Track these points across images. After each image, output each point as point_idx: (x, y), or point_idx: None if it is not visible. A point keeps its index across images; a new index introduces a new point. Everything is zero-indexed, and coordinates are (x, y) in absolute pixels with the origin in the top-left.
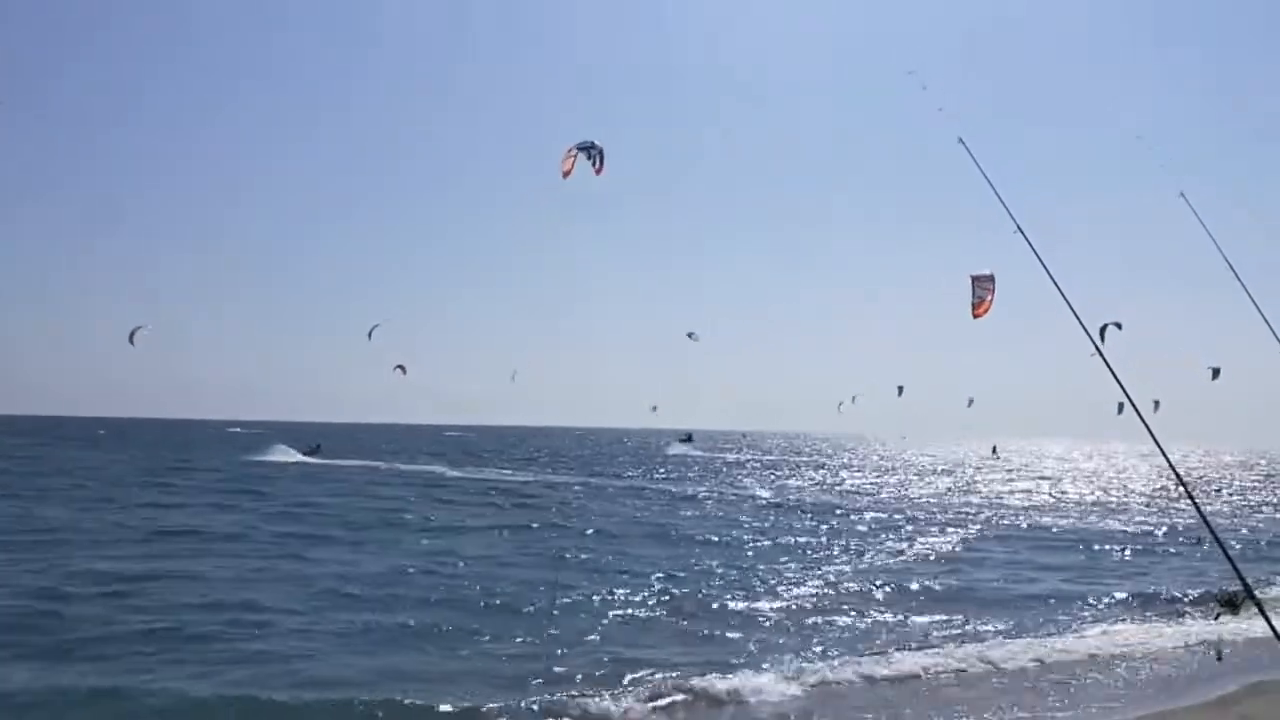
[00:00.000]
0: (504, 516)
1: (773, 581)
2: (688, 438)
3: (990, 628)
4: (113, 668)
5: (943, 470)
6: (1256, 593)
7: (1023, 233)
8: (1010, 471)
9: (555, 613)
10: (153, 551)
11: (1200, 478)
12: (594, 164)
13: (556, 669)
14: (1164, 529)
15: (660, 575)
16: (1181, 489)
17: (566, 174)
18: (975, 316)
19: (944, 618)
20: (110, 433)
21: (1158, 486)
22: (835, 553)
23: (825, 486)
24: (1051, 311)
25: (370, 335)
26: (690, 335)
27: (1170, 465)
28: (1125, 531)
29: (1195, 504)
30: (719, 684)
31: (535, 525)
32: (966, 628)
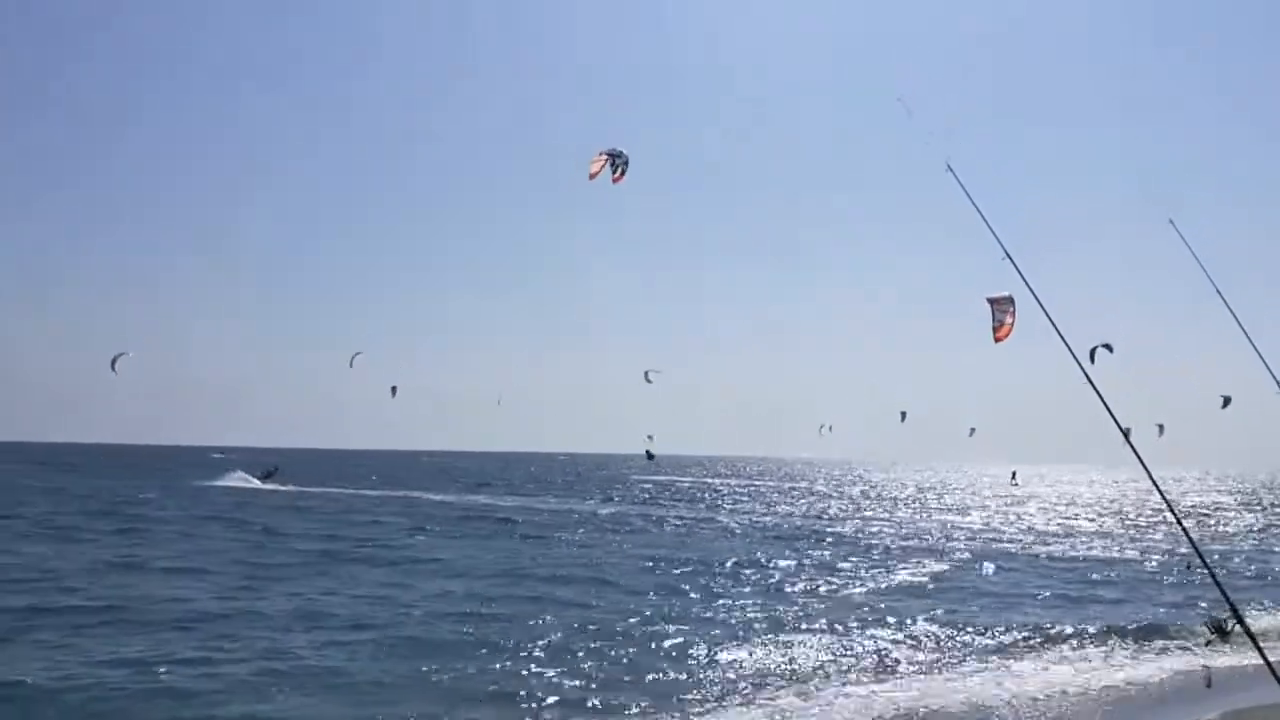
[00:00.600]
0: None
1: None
2: (650, 456)
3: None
4: None
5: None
6: (1247, 619)
7: (1011, 259)
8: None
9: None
10: None
11: (1213, 505)
12: (616, 172)
13: None
14: (1156, 556)
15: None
16: (1173, 515)
17: (593, 176)
18: (997, 340)
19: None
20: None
21: (1155, 512)
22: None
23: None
24: (1050, 332)
25: (351, 363)
26: (647, 376)
27: (1160, 493)
28: (1118, 558)
29: (1185, 531)
30: None
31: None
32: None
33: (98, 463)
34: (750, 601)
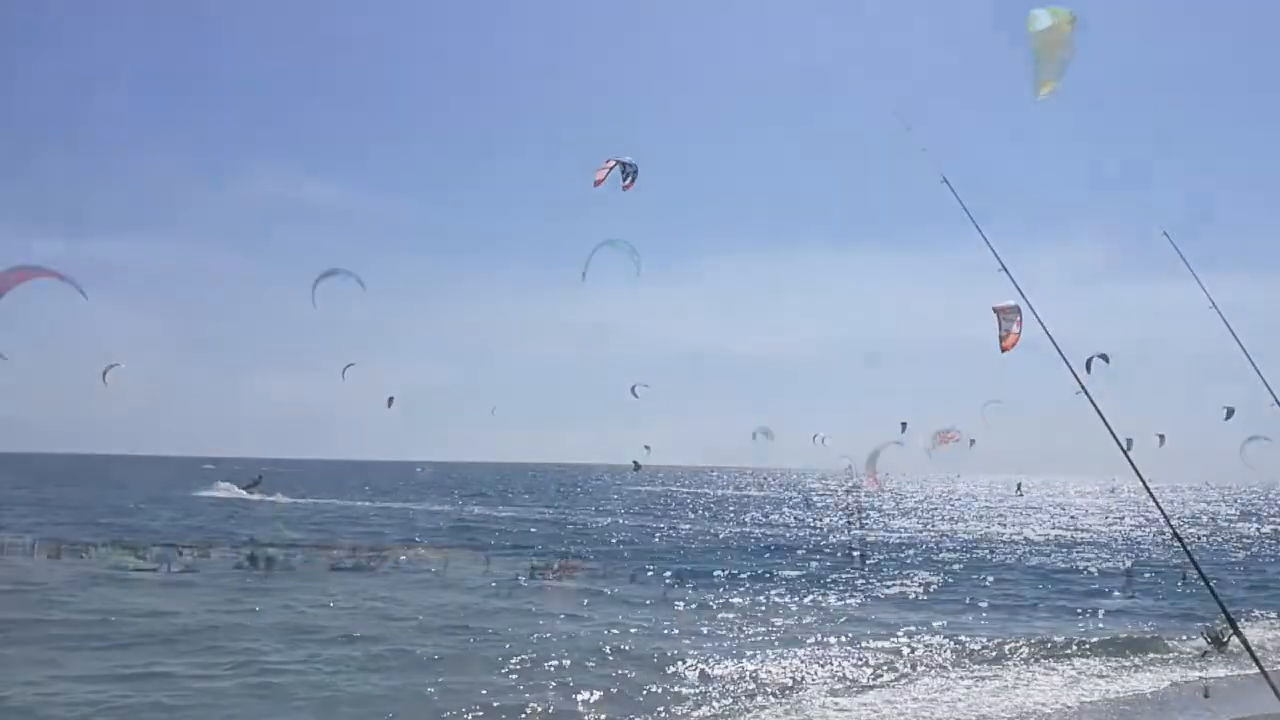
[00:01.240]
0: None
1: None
2: (637, 467)
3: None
4: None
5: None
6: (1243, 630)
7: (1007, 272)
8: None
9: None
10: None
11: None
12: (626, 180)
13: None
14: (1155, 567)
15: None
16: (1169, 527)
17: (598, 183)
18: (1004, 350)
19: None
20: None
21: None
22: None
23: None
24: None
25: (344, 375)
26: (633, 390)
27: (1156, 504)
28: (1116, 568)
29: (1182, 542)
30: None
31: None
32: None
33: (90, 472)
34: (743, 613)
